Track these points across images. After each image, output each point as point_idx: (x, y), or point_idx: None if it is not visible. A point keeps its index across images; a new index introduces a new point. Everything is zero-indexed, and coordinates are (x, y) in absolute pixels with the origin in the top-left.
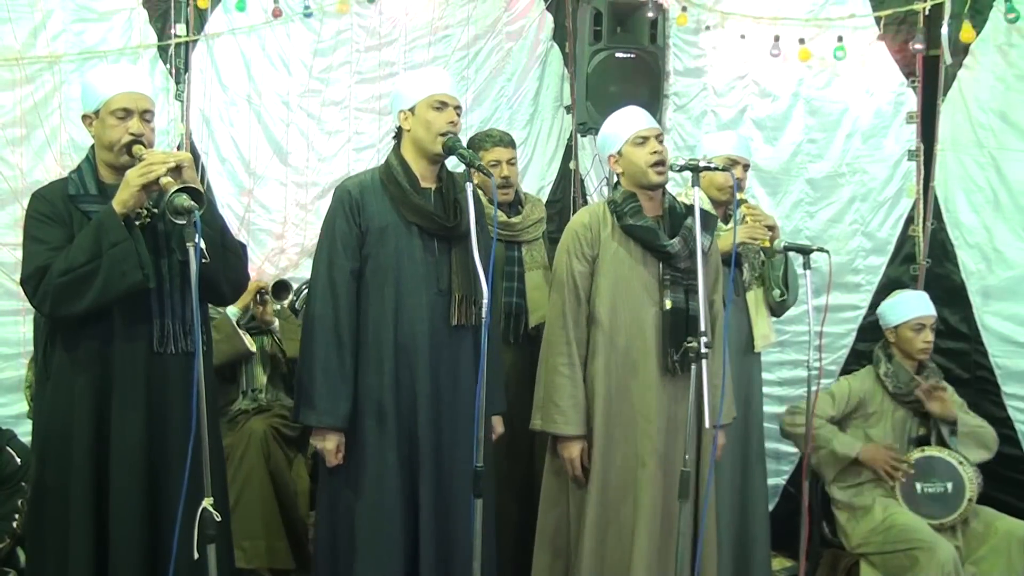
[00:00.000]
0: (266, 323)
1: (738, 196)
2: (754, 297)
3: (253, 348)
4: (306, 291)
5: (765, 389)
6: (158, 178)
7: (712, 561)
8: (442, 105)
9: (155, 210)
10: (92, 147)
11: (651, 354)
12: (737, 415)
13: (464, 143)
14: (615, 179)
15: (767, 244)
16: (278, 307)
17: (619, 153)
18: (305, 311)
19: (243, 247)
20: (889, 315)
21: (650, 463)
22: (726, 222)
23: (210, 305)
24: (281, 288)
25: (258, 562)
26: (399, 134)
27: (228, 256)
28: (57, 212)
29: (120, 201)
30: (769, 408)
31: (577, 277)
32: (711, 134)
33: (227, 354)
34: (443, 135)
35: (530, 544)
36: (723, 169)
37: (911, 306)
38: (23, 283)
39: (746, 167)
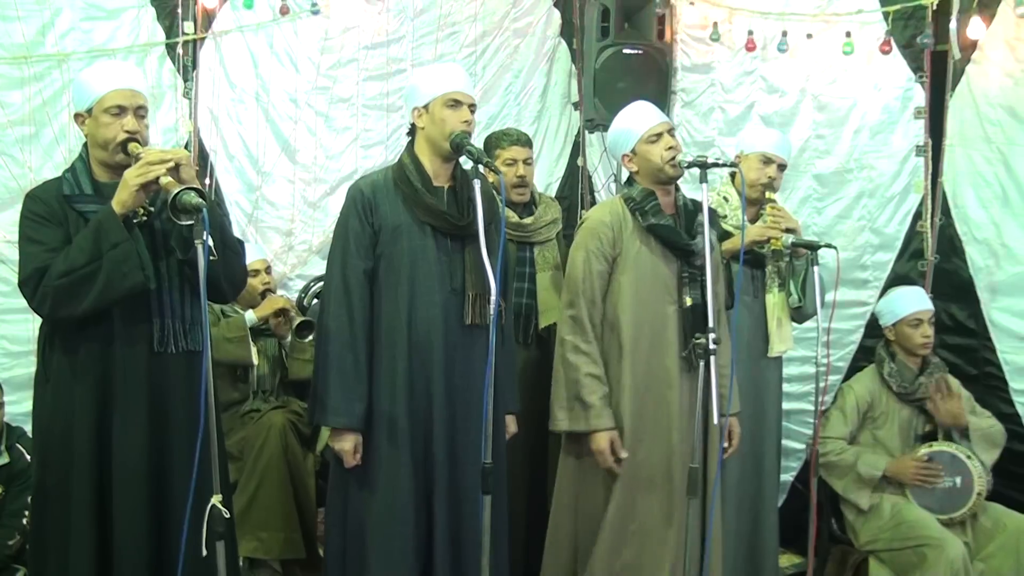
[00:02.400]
0: (279, 335)
1: (768, 195)
2: (773, 301)
3: (255, 361)
4: (314, 287)
5: None
6: (157, 178)
7: (718, 556)
8: (456, 103)
9: (151, 209)
10: (85, 146)
11: (672, 352)
12: (741, 411)
13: (479, 141)
14: (624, 175)
15: (778, 245)
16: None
17: (633, 152)
18: (319, 312)
19: (241, 243)
20: (886, 313)
21: (678, 462)
22: (754, 221)
23: (228, 307)
24: (304, 327)
25: (275, 553)
26: (413, 131)
27: (227, 253)
28: (52, 212)
29: (119, 201)
30: None
31: (596, 277)
32: (754, 127)
33: (232, 355)
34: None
35: (540, 544)
36: (731, 165)
37: (907, 302)
38: (21, 285)
39: (782, 167)
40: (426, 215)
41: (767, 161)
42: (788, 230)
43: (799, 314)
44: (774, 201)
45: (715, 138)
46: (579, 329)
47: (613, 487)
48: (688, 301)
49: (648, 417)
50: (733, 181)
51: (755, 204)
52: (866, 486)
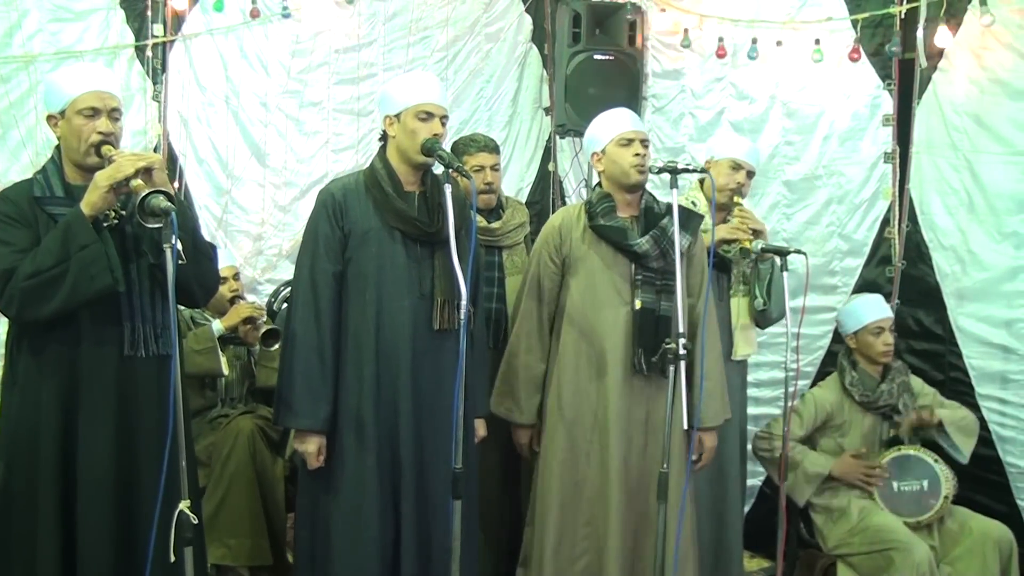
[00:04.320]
0: (248, 343)
1: (735, 199)
2: (737, 305)
3: (226, 371)
4: (284, 291)
5: None
6: (128, 179)
7: (690, 563)
8: (428, 116)
9: (123, 212)
10: (57, 148)
11: (619, 354)
12: (731, 417)
13: (447, 146)
14: (595, 179)
15: (747, 244)
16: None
17: (602, 152)
18: (287, 314)
19: (213, 248)
20: (847, 322)
21: (611, 464)
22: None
23: (197, 313)
24: (270, 335)
25: (242, 560)
26: (385, 136)
27: (199, 257)
28: (22, 213)
29: (89, 203)
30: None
31: (544, 276)
32: (726, 134)
33: (202, 368)
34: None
35: (515, 546)
36: (702, 171)
37: (867, 310)
38: None
39: (750, 174)
40: (396, 220)
41: (736, 167)
42: (755, 232)
43: (764, 317)
44: (741, 204)
45: (685, 144)
46: (525, 323)
47: (552, 487)
48: (638, 304)
49: (588, 419)
50: (702, 186)
51: (723, 209)
52: (810, 484)
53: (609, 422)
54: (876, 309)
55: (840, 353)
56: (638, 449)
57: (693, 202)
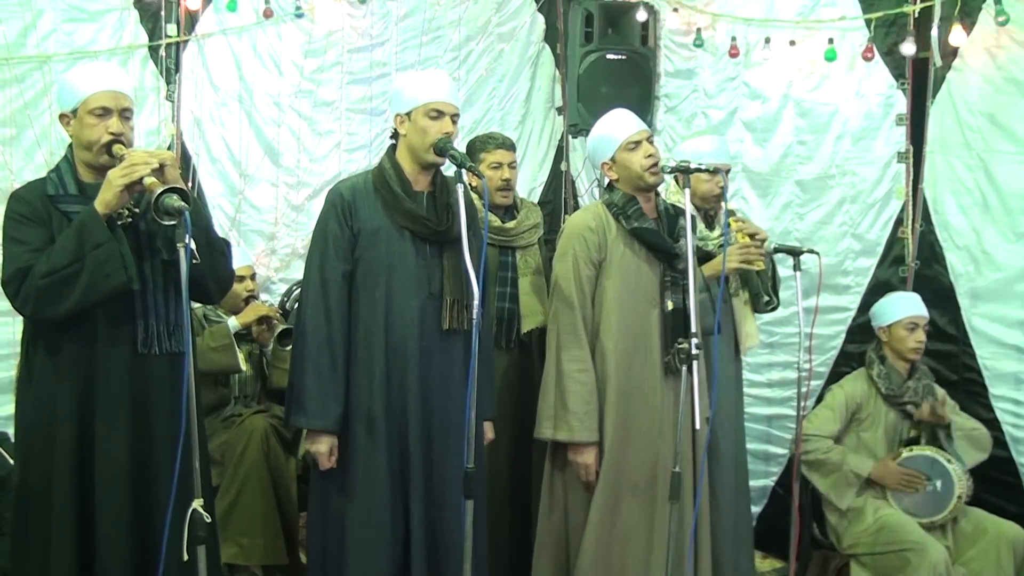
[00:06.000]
0: (261, 343)
1: (725, 207)
2: (740, 301)
3: (244, 367)
4: (297, 291)
5: (754, 391)
6: (142, 178)
7: (706, 560)
8: (439, 114)
9: (136, 210)
10: (70, 146)
11: (655, 356)
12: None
13: (463, 146)
14: (606, 181)
15: (761, 267)
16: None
17: (613, 160)
18: (297, 314)
19: (227, 244)
20: (883, 314)
21: (661, 466)
22: (708, 226)
23: (211, 311)
24: (287, 335)
25: (255, 559)
26: (396, 134)
27: (213, 254)
28: (36, 212)
29: (102, 202)
30: (758, 409)
31: (585, 282)
32: (690, 140)
33: (218, 364)
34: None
35: (524, 549)
36: (714, 171)
37: (905, 305)
38: (4, 285)
39: (726, 171)
40: (405, 220)
41: (715, 170)
42: (751, 234)
43: (767, 308)
44: (734, 213)
45: None
46: (572, 335)
47: (595, 492)
48: (670, 305)
49: (633, 422)
50: (678, 183)
51: (703, 212)
52: (851, 487)
53: (654, 425)
54: (913, 305)
55: (870, 347)
56: (668, 449)
57: (675, 205)
